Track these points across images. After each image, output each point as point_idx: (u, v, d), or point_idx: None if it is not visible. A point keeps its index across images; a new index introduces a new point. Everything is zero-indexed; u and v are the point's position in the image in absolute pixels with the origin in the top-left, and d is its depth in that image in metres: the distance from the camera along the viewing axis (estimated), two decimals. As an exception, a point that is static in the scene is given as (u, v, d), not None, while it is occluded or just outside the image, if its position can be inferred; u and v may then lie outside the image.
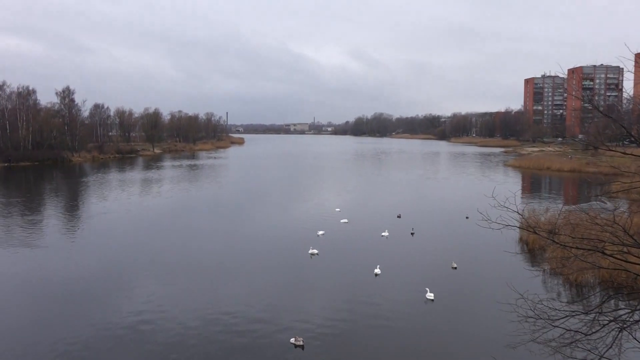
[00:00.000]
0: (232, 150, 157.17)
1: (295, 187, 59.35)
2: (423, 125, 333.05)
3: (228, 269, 25.02)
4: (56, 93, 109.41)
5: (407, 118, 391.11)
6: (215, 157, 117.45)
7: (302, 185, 61.20)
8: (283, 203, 46.55)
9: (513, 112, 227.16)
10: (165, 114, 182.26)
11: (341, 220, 37.16)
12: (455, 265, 25.46)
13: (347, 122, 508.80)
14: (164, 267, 25.27)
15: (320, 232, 32.82)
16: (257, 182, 64.63)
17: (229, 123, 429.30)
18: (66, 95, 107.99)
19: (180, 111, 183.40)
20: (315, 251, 28.03)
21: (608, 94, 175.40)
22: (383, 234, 32.66)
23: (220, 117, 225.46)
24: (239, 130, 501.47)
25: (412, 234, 33.27)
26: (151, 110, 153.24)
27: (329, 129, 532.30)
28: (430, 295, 20.87)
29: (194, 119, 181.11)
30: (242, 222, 37.20)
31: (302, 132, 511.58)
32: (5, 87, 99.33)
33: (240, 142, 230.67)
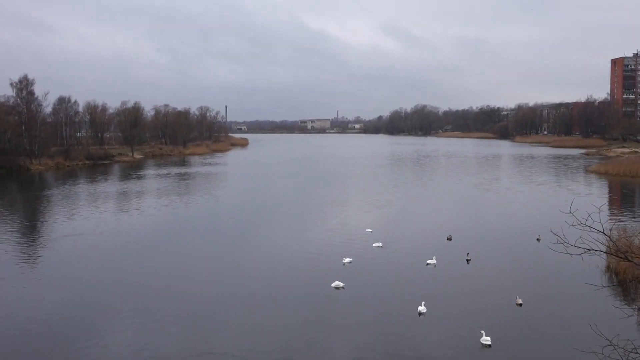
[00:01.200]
0: (233, 155, 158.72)
1: (314, 201, 59.80)
2: (478, 120, 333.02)
3: (228, 309, 25.37)
4: (11, 84, 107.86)
5: (457, 111, 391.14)
6: (211, 164, 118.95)
7: (322, 198, 61.61)
8: (298, 222, 47.00)
9: (596, 103, 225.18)
10: (148, 109, 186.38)
11: (374, 244, 37.53)
12: (520, 301, 25.51)
13: (379, 117, 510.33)
14: (146, 305, 25.72)
15: (347, 260, 33.13)
16: (265, 196, 65.32)
17: (228, 120, 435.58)
18: (23, 86, 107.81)
19: (166, 105, 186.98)
20: (341, 284, 28.30)
21: None
22: (429, 261, 32.85)
23: (217, 113, 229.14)
24: (241, 129, 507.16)
25: (467, 260, 33.43)
26: (130, 105, 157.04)
27: (357, 126, 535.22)
28: (486, 340, 20.87)
29: (184, 115, 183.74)
30: (246, 248, 37.73)
31: (322, 131, 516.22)
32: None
33: (243, 143, 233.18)
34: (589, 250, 9.59)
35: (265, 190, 70.37)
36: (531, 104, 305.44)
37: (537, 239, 38.47)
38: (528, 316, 24.05)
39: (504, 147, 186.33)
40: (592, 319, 20.27)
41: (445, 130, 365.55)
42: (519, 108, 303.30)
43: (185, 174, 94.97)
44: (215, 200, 60.73)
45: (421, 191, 68.04)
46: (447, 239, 39.35)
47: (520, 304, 25.29)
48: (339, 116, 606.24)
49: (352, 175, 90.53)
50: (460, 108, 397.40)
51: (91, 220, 48.25)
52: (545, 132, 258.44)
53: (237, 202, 59.57)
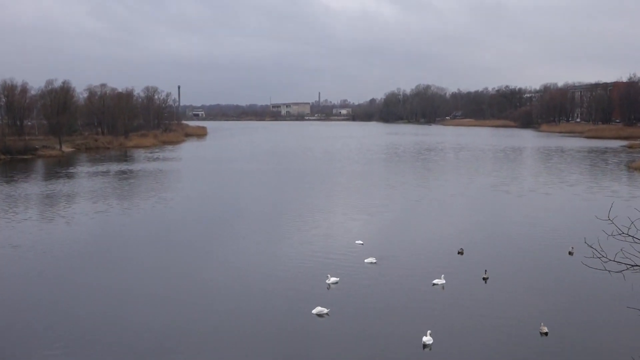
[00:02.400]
0: (188, 148, 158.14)
1: (290, 207, 59.90)
2: (495, 104, 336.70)
3: (180, 344, 25.33)
4: None
5: (469, 94, 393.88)
6: (160, 159, 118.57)
7: (300, 203, 61.74)
8: (270, 234, 47.05)
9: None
10: (81, 90, 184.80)
11: (365, 260, 37.75)
12: (545, 330, 25.85)
13: (372, 100, 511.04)
14: (74, 335, 25.63)
15: (332, 280, 33.27)
16: (228, 201, 65.28)
17: (182, 104, 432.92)
18: None
19: (103, 85, 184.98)
20: (324, 310, 28.44)
21: None
22: (436, 281, 33.16)
23: (168, 95, 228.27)
24: (198, 115, 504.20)
25: (484, 280, 33.82)
26: (57, 85, 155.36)
27: (344, 111, 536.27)
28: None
29: (125, 98, 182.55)
30: (204, 267, 37.74)
31: (300, 117, 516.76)
32: None
33: (201, 133, 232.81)
34: (633, 266, 9.56)
35: (229, 194, 70.17)
36: (560, 84, 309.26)
37: (569, 253, 38.95)
38: (555, 348, 24.31)
39: (527, 138, 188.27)
40: (636, 351, 20.45)
41: (454, 117, 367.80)
42: (546, 89, 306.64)
43: (127, 172, 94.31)
44: (164, 206, 60.46)
45: (424, 194, 68.33)
46: (458, 252, 39.61)
47: (546, 333, 25.61)
48: (321, 99, 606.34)
49: (338, 174, 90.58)
50: (472, 89, 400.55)
51: (4, 230, 47.88)
52: (578, 120, 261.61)
53: (193, 209, 59.43)
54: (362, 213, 55.65)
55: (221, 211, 57.40)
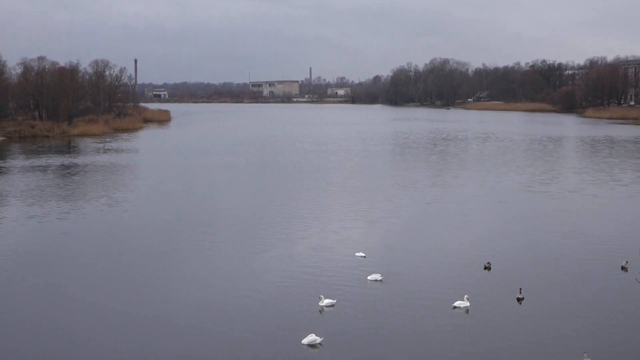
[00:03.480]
0: (147, 136, 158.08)
1: (275, 211, 59.92)
2: (529, 83, 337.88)
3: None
4: None
5: (497, 70, 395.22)
6: (112, 151, 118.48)
7: (288, 207, 61.81)
8: (251, 245, 47.01)
9: None
10: (13, 65, 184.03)
11: (369, 277, 37.79)
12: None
13: (376, 78, 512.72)
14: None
15: (327, 302, 33.34)
16: (197, 204, 65.27)
17: (140, 82, 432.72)
18: None
19: (41, 59, 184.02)
20: (317, 339, 28.46)
21: None
22: (457, 303, 33.33)
23: (122, 71, 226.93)
24: (159, 96, 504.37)
25: (518, 300, 33.88)
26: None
27: (341, 92, 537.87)
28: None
29: (69, 75, 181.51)
30: (167, 285, 37.74)
31: (286, 99, 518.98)
32: None
33: (163, 118, 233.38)
34: None
35: (198, 195, 69.98)
36: (610, 58, 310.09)
37: (622, 268, 38.99)
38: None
39: (569, 126, 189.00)
40: None
41: (478, 99, 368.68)
42: (592, 65, 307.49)
43: (70, 166, 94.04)
44: (117, 210, 60.40)
45: (440, 195, 68.28)
46: (485, 267, 39.67)
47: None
48: (313, 77, 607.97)
49: (333, 170, 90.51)
50: (501, 65, 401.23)
51: None
52: (632, 103, 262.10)
53: (153, 213, 59.45)
54: (363, 219, 55.67)
55: (188, 216, 57.24)
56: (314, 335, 28.50)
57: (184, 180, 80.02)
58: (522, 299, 33.79)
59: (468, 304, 32.86)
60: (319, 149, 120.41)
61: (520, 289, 34.53)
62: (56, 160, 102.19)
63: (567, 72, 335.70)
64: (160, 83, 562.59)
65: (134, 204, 63.39)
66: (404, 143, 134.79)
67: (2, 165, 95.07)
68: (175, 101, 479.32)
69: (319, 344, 28.04)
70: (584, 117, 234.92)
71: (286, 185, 75.31)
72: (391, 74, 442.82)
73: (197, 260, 42.36)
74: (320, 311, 32.34)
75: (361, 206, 61.36)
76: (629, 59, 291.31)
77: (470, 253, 43.22)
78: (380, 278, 37.35)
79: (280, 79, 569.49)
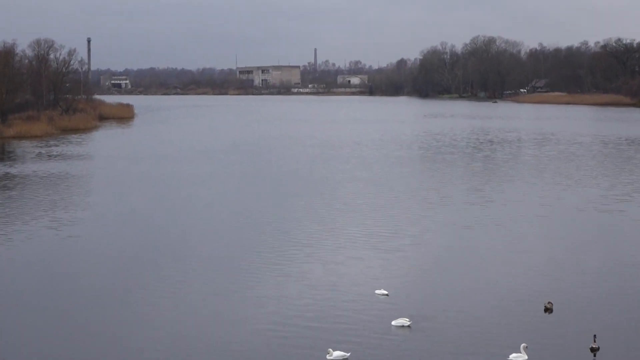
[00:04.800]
0: (103, 138, 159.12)
1: (269, 237, 59.72)
2: (600, 69, 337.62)
3: None
4: None
5: (557, 52, 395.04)
6: (58, 157, 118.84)
7: (285, 231, 61.66)
8: (237, 281, 46.89)
9: None
10: None
11: (393, 323, 37.75)
12: None
13: (401, 62, 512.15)
14: None
15: (338, 356, 33.16)
16: (168, 225, 65.39)
17: (94, 68, 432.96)
18: None
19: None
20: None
21: None
22: (513, 357, 33.17)
23: (72, 54, 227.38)
24: (120, 86, 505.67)
25: (592, 351, 33.75)
26: None
27: (355, 80, 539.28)
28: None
29: (3, 59, 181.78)
30: (127, 332, 37.48)
31: (283, 89, 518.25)
32: None
33: (124, 115, 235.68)
34: None
35: (166, 215, 70.04)
36: None
37: None
38: None
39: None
40: None
41: (534, 90, 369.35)
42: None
43: (2, 178, 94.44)
44: (59, 235, 60.36)
45: (484, 215, 68.03)
46: (545, 309, 39.53)
47: None
48: (319, 61, 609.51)
49: (345, 182, 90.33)
50: (563, 45, 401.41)
51: None
52: None
53: (107, 239, 59.37)
54: (384, 246, 55.43)
55: (154, 244, 57.10)
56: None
57: (150, 196, 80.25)
58: (597, 349, 33.57)
59: (526, 357, 32.64)
60: (326, 155, 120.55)
61: (595, 336, 34.22)
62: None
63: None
64: (121, 69, 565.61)
65: (84, 227, 63.22)
66: (437, 147, 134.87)
67: None
68: (140, 93, 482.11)
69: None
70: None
71: (283, 202, 75.45)
72: (420, 57, 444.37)
73: (162, 303, 42.14)
74: (328, 368, 32.08)
75: (381, 230, 61.18)
76: None
77: (525, 291, 43.00)
78: (408, 323, 37.11)
79: (277, 64, 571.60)
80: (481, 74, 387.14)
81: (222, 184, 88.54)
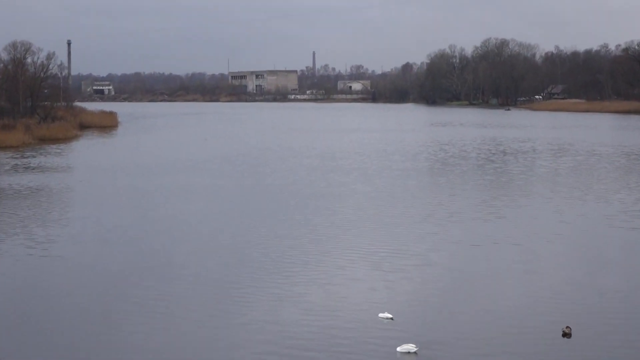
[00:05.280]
0: (84, 149, 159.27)
1: (263, 255, 59.75)
2: (621, 74, 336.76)
3: None
4: None
5: (575, 55, 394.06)
6: (35, 169, 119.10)
7: (280, 249, 61.69)
8: (225, 304, 47.01)
9: None
10: None
11: (399, 349, 37.63)
12: None
13: (406, 67, 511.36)
14: None
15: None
16: (154, 243, 65.38)
17: (75, 73, 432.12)
18: None
19: None
20: None
21: None
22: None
23: (50, 58, 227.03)
24: (102, 93, 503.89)
25: None
26: None
27: (356, 86, 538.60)
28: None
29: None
30: None
31: (279, 95, 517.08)
32: None
33: (107, 123, 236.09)
34: None
35: (151, 233, 70.09)
36: None
37: None
38: None
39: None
40: None
41: (550, 97, 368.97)
42: None
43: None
44: (35, 253, 60.27)
45: (496, 232, 68.17)
46: (563, 334, 39.42)
47: None
48: (318, 65, 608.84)
49: (346, 197, 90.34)
50: (582, 48, 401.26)
51: None
52: None
53: (86, 259, 59.19)
54: (388, 267, 55.37)
55: (137, 265, 57.00)
56: None
57: (135, 212, 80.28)
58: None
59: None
60: (326, 167, 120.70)
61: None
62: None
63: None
64: (104, 74, 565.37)
65: (62, 245, 63.20)
66: (445, 158, 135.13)
67: None
68: (125, 99, 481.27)
69: None
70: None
71: (278, 218, 75.38)
72: (427, 61, 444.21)
73: (149, 326, 42.18)
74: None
75: (385, 248, 61.11)
76: None
77: (541, 314, 42.99)
78: (415, 350, 37.10)
79: (272, 69, 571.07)
80: (493, 79, 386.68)
81: (212, 199, 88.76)
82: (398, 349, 37.33)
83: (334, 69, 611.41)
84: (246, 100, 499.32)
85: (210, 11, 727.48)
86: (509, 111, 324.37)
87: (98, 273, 54.19)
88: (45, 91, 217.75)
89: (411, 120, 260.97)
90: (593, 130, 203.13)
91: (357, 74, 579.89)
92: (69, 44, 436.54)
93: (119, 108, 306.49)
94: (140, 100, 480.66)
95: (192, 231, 70.21)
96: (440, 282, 51.33)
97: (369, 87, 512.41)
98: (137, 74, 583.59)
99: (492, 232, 67.73)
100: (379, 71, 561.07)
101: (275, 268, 54.72)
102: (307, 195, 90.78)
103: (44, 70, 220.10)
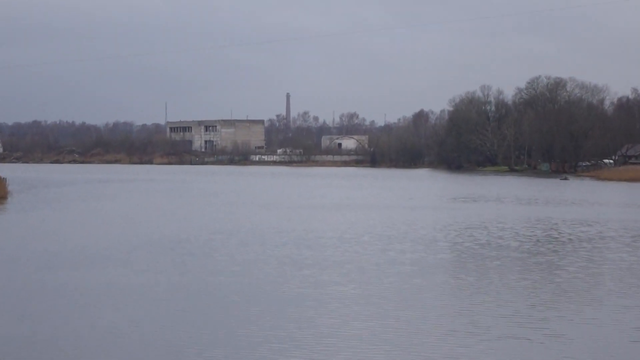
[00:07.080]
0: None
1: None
2: None
3: None
4: None
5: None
6: None
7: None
8: None
9: None
10: None
11: None
12: None
13: (418, 116, 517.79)
14: None
15: None
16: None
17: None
18: None
19: None
20: None
21: None
22: None
23: None
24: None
25: None
26: None
27: (348, 142, 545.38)
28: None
29: None
30: None
31: (240, 155, 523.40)
32: None
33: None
34: None
35: (60, 345, 68.58)
36: None
37: None
38: None
39: None
40: None
41: (626, 161, 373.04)
42: None
43: None
44: None
45: (549, 356, 65.86)
46: None
47: None
48: (294, 113, 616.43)
49: (329, 303, 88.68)
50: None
51: None
52: None
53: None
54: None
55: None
56: None
57: (31, 317, 78.00)
58: None
59: None
60: (301, 259, 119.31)
61: None
62: None
63: None
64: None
65: None
66: (472, 248, 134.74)
67: None
68: (18, 159, 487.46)
69: None
70: None
71: (227, 343, 73.49)
72: (449, 109, 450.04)
73: None
74: None
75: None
76: None
77: None
78: None
79: (229, 117, 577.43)
80: (543, 135, 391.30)
81: (134, 307, 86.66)
82: None
83: (316, 118, 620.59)
84: (191, 163, 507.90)
85: (139, 35, 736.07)
86: (566, 181, 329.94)
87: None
88: None
89: (426, 193, 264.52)
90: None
91: (350, 126, 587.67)
92: None
93: (9, 171, 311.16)
94: (41, 160, 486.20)
95: (108, 351, 68.76)
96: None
97: (366, 145, 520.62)
98: (36, 123, 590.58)
99: (540, 357, 66.69)
100: (380, 122, 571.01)
101: None
102: (273, 302, 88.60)
103: None
